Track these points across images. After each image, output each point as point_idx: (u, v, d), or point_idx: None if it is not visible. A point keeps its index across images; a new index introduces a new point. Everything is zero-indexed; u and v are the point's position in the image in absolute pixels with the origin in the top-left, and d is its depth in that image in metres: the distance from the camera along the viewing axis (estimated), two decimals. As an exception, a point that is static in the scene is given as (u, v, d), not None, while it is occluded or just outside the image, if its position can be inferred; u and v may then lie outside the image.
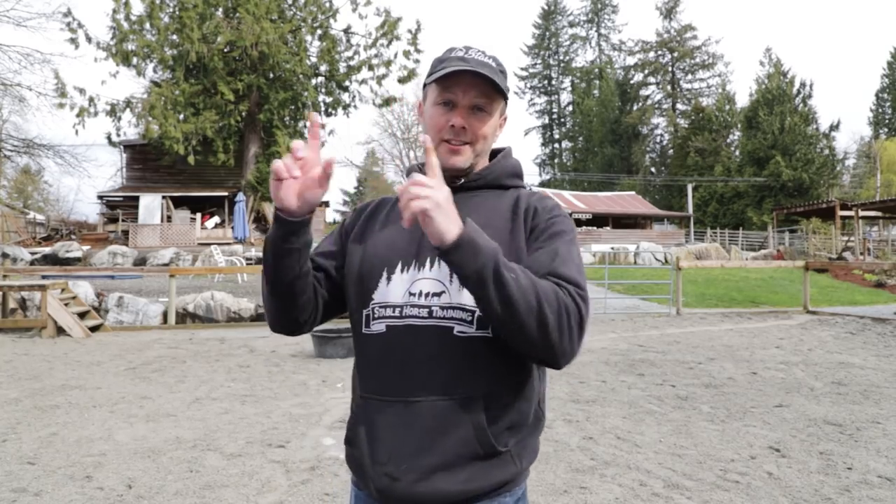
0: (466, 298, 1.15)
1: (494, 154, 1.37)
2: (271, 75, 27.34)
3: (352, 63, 28.48)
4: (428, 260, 1.21)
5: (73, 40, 25.25)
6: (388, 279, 1.21)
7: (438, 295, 1.17)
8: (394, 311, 1.19)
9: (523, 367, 1.20)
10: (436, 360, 1.16)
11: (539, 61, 72.65)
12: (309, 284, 1.22)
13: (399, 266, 1.22)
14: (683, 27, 60.23)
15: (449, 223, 1.01)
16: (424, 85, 1.31)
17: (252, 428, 4.69)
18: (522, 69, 72.81)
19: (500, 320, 1.05)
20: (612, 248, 26.80)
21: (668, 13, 60.53)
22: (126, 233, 26.38)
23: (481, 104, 1.24)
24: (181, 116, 25.52)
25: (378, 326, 1.21)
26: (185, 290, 13.09)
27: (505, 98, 1.28)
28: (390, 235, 1.27)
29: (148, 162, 28.87)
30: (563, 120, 72.80)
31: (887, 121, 58.14)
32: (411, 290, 1.19)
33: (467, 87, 1.22)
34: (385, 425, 1.18)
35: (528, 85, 73.15)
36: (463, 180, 1.30)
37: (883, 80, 58.55)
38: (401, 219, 1.03)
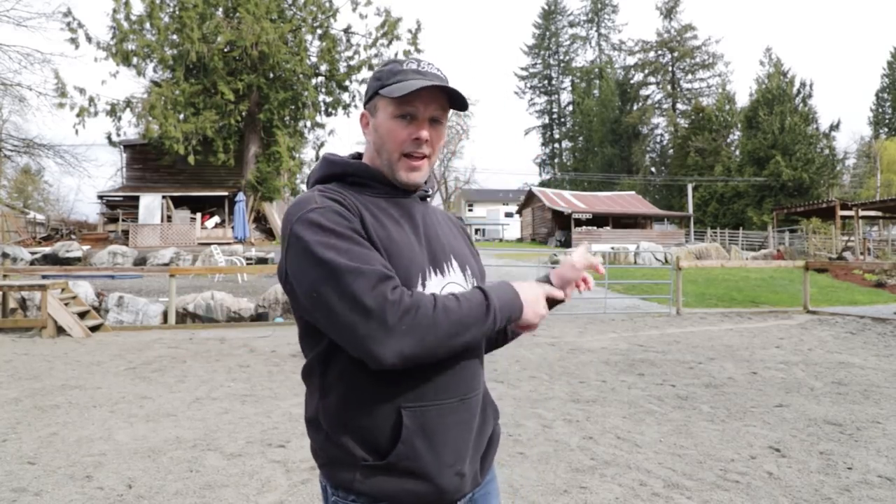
0: None
1: None
2: (271, 75, 27.34)
3: (352, 63, 28.50)
4: (445, 264, 1.28)
5: (73, 40, 25.27)
6: (424, 284, 1.21)
7: None
8: None
9: None
10: (476, 356, 1.31)
11: (539, 61, 72.70)
12: None
13: (428, 271, 1.23)
14: (683, 27, 60.29)
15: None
16: (372, 96, 1.28)
17: (252, 428, 4.69)
18: (522, 69, 72.89)
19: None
20: (612, 248, 26.78)
21: (668, 13, 60.58)
22: (126, 233, 26.39)
23: (438, 116, 1.26)
24: (181, 116, 25.52)
25: None
26: (185, 289, 13.09)
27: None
28: (405, 240, 1.23)
29: (148, 162, 28.85)
30: (563, 120, 72.85)
31: (887, 121, 58.18)
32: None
33: (428, 101, 1.24)
34: (446, 427, 1.21)
35: (528, 85, 73.23)
36: (429, 192, 1.38)
37: (883, 80, 58.64)
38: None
